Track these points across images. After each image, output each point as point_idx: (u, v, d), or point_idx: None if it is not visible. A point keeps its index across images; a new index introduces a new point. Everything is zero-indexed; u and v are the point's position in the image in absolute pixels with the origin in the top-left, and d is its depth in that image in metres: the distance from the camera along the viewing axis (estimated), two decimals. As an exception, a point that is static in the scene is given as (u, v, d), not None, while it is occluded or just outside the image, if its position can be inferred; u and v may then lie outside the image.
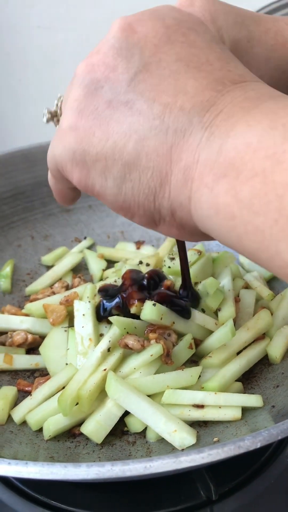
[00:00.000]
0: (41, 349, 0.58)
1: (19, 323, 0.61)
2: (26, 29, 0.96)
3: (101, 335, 0.55)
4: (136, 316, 0.54)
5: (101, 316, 0.56)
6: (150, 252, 0.74)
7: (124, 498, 0.49)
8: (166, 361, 0.51)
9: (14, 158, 0.76)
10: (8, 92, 1.02)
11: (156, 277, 0.59)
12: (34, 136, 1.06)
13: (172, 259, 0.65)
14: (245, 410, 0.48)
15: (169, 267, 0.62)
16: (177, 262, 0.63)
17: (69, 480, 0.29)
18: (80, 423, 0.49)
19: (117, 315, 0.55)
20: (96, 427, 0.47)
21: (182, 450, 0.44)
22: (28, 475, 0.30)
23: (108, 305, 0.57)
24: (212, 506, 0.47)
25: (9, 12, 0.94)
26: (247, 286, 0.64)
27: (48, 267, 0.75)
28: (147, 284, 0.57)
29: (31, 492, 0.50)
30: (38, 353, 0.59)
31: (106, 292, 0.59)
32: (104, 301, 0.58)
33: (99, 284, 0.63)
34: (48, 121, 0.48)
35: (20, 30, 0.96)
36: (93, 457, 0.46)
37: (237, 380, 0.53)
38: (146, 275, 0.59)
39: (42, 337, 0.60)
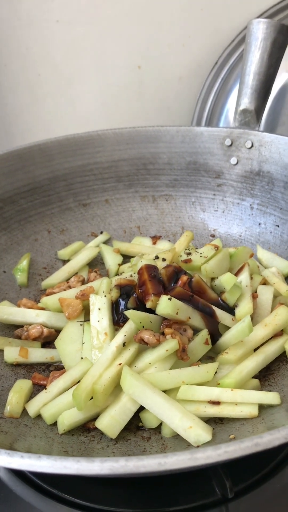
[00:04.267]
0: (56, 343, 0.57)
1: (35, 317, 0.61)
2: (46, 23, 0.96)
3: (117, 329, 0.55)
4: (152, 311, 0.53)
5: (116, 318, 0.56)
6: (166, 247, 0.74)
7: (138, 494, 0.49)
8: (181, 357, 0.50)
9: (31, 152, 0.76)
10: (27, 86, 1.02)
11: (173, 272, 0.58)
12: (52, 131, 1.06)
13: (189, 254, 0.64)
14: (262, 408, 0.48)
15: (186, 262, 0.62)
16: (193, 256, 0.62)
17: (82, 475, 0.29)
18: (94, 418, 0.49)
19: (134, 309, 0.54)
20: (111, 422, 0.47)
21: (198, 446, 0.44)
22: (41, 469, 0.30)
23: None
24: (228, 504, 0.46)
25: (28, 6, 0.94)
26: (265, 282, 0.63)
27: (64, 261, 0.75)
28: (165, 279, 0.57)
29: (45, 485, 0.50)
30: (54, 347, 0.58)
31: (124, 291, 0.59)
32: (121, 300, 0.57)
33: (115, 279, 0.62)
34: None
35: (40, 24, 0.96)
36: (107, 452, 0.46)
37: (254, 377, 0.52)
38: (163, 270, 0.58)
39: (58, 331, 0.59)
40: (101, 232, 0.78)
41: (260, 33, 0.73)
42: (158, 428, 0.49)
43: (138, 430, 0.49)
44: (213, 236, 0.77)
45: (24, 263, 0.70)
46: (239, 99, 0.76)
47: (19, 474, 0.50)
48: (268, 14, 0.97)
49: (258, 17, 0.97)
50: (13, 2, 0.94)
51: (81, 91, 1.05)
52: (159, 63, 1.02)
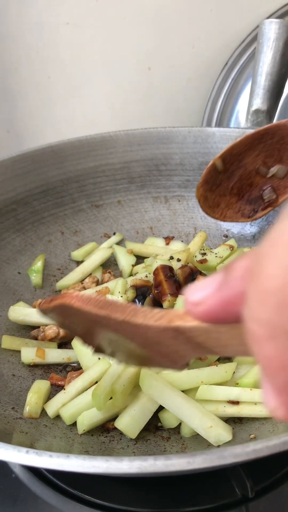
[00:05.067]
0: (73, 343, 0.58)
1: (51, 318, 0.61)
2: (55, 26, 0.96)
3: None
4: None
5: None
6: (180, 248, 0.74)
7: (158, 494, 0.49)
8: (199, 356, 0.50)
9: (44, 154, 0.76)
10: (36, 89, 1.02)
11: (190, 272, 0.58)
12: (62, 133, 1.06)
13: (204, 254, 0.64)
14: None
15: (201, 262, 0.62)
16: (208, 257, 0.62)
17: (111, 474, 0.29)
18: (114, 418, 0.49)
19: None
20: (131, 422, 0.47)
21: (218, 446, 0.44)
22: (70, 468, 0.30)
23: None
24: (248, 504, 0.46)
25: (38, 9, 0.94)
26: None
27: (78, 262, 0.75)
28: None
29: (63, 485, 0.50)
30: (71, 348, 0.59)
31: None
32: (137, 300, 0.58)
33: (130, 279, 0.62)
34: None
35: (49, 27, 0.96)
36: (127, 452, 0.46)
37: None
38: (179, 270, 0.58)
39: (74, 332, 0.59)
40: (114, 233, 0.79)
41: (272, 34, 0.73)
42: (178, 428, 0.49)
43: (157, 430, 0.49)
44: (226, 236, 0.77)
45: (38, 264, 0.70)
46: (251, 99, 0.77)
47: (38, 474, 0.50)
48: (278, 15, 0.97)
49: (268, 17, 0.97)
50: (23, 6, 0.94)
51: (90, 93, 1.05)
52: (168, 65, 1.02)
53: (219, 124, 1.00)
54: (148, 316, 0.29)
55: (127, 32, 0.99)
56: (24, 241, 0.73)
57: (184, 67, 1.03)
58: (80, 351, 0.56)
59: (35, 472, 0.51)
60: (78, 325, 0.36)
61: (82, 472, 0.30)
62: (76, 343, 0.57)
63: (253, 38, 0.98)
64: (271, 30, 0.73)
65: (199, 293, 0.25)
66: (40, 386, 0.53)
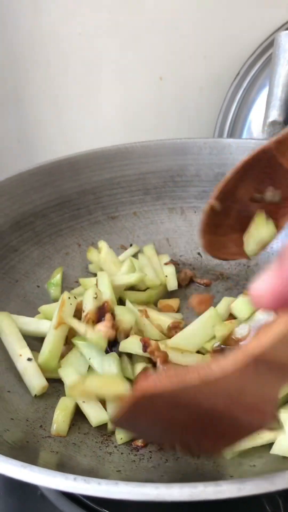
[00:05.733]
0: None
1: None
2: (68, 36, 0.97)
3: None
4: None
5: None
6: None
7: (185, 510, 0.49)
8: None
9: (61, 166, 0.76)
10: (48, 100, 1.02)
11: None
12: (74, 144, 1.06)
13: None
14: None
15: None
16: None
17: (161, 501, 0.29)
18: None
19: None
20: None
21: (253, 466, 0.44)
22: (119, 496, 0.29)
23: None
24: (280, 522, 0.46)
25: (51, 19, 0.95)
26: None
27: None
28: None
29: (92, 504, 0.50)
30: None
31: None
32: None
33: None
34: None
35: (62, 38, 0.96)
36: (159, 471, 0.46)
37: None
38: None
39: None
40: (131, 245, 0.78)
41: (288, 46, 0.73)
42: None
43: (186, 448, 0.49)
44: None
45: (57, 277, 0.70)
46: (267, 111, 0.77)
47: (70, 496, 0.50)
48: (286, 27, 0.97)
49: (280, 28, 0.98)
50: (36, 16, 0.94)
51: (102, 103, 1.05)
52: (180, 74, 1.03)
53: (231, 134, 1.00)
54: (222, 364, 0.27)
55: (139, 42, 0.99)
56: (42, 254, 0.73)
57: (195, 77, 1.03)
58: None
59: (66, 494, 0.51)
60: (155, 422, 0.33)
61: (131, 499, 0.29)
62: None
63: (265, 48, 0.98)
64: (287, 42, 0.73)
65: (261, 283, 0.28)
66: (66, 404, 0.53)
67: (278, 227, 0.64)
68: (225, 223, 0.64)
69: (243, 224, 0.65)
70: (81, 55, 0.99)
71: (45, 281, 0.71)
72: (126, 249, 0.78)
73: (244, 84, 1.00)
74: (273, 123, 0.76)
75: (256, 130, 0.98)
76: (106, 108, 1.06)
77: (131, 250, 0.78)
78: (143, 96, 1.04)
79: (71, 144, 1.09)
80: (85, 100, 1.04)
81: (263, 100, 0.97)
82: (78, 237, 0.77)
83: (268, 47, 0.98)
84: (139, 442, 0.49)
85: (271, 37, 0.97)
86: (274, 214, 0.63)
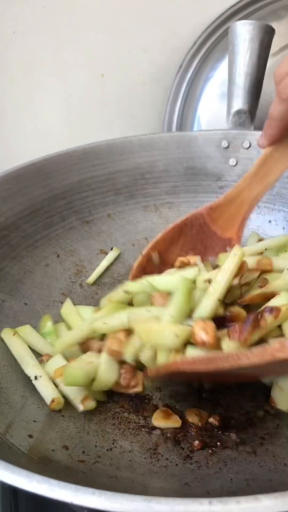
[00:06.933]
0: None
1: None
2: (1, 35, 0.90)
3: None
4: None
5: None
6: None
7: None
8: None
9: (28, 173, 0.71)
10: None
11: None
12: (13, 149, 1.00)
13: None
14: None
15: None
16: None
17: None
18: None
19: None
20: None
21: None
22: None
23: None
24: None
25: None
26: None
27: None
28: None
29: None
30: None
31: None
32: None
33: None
34: None
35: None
36: (224, 474, 0.44)
37: None
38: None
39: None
40: (111, 249, 0.75)
41: (247, 34, 0.74)
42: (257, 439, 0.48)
43: (238, 446, 0.48)
44: (224, 238, 0.77)
45: (49, 325, 0.62)
46: (230, 101, 0.77)
47: None
48: (224, 18, 0.99)
49: (215, 20, 0.99)
50: None
51: (42, 104, 1.00)
52: (121, 70, 1.00)
53: (180, 128, 1.00)
54: (250, 357, 0.36)
55: (77, 39, 0.95)
56: (22, 268, 0.67)
57: (137, 72, 1.01)
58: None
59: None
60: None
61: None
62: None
63: (204, 40, 0.99)
64: (246, 31, 0.74)
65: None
66: (103, 423, 0.49)
67: None
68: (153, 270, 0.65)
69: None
70: (17, 54, 0.93)
71: (31, 298, 0.66)
72: (106, 253, 0.75)
73: (188, 77, 1.00)
74: (238, 112, 0.76)
75: (205, 122, 0.98)
76: (46, 109, 1.01)
77: (112, 254, 0.74)
78: (85, 95, 1.01)
79: (10, 150, 1.02)
80: (24, 101, 0.98)
81: (209, 92, 0.98)
82: (55, 246, 0.73)
83: (207, 38, 0.99)
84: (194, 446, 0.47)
85: (209, 28, 0.98)
86: None
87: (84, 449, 0.46)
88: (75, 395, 0.51)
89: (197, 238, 0.67)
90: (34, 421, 0.48)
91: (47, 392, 0.52)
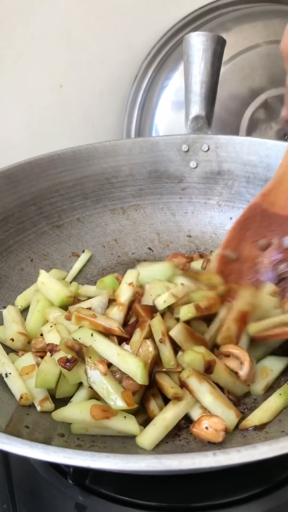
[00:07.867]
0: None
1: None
2: None
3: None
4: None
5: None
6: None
7: (197, 487, 0.50)
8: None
9: (-3, 181, 0.73)
10: None
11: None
12: None
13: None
14: None
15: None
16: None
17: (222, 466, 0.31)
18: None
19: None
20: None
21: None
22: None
23: None
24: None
25: None
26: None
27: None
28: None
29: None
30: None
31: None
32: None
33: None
34: None
35: None
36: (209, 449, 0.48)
37: None
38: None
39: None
40: (83, 251, 0.78)
41: (201, 45, 0.79)
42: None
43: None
44: (189, 236, 0.81)
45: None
46: (188, 107, 0.82)
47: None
48: (175, 29, 1.05)
49: (167, 32, 1.04)
50: None
51: (4, 114, 1.01)
52: (79, 81, 1.04)
53: (138, 135, 1.04)
54: None
55: (36, 50, 0.98)
56: (-3, 273, 0.69)
57: (95, 83, 1.05)
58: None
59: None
60: None
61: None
62: None
63: (157, 51, 1.04)
64: (200, 42, 0.79)
65: None
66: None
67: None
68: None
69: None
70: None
71: (9, 302, 0.67)
72: (78, 256, 0.77)
73: (143, 86, 1.05)
74: (196, 118, 0.81)
75: (162, 129, 1.03)
76: (6, 120, 1.03)
77: (84, 256, 0.77)
78: (45, 106, 1.03)
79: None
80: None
81: (165, 100, 1.03)
82: (28, 251, 0.74)
83: (160, 49, 1.04)
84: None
85: (161, 39, 1.04)
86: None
87: (78, 436, 0.49)
88: (36, 395, 0.53)
89: (263, 226, 0.67)
90: (27, 414, 0.50)
91: (16, 388, 0.53)
